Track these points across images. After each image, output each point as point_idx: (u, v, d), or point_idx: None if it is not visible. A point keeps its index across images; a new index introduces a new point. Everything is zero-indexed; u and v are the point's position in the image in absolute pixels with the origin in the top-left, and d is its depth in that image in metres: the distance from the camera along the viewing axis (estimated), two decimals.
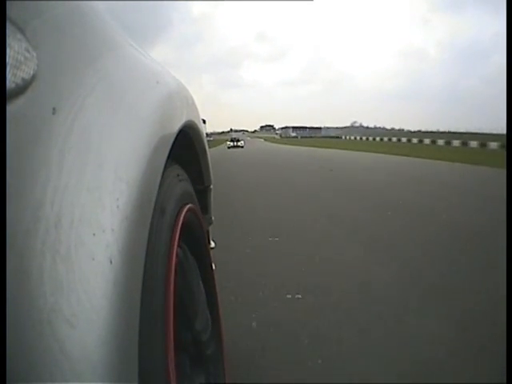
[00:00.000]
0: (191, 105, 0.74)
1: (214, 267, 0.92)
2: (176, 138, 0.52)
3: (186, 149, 0.78)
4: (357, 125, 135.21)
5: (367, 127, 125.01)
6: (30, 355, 0.23)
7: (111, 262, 0.29)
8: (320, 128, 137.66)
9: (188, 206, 0.60)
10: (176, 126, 0.55)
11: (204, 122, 1.02)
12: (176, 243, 0.48)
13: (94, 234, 0.28)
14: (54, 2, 0.34)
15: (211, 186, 0.99)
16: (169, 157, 0.47)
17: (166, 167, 0.46)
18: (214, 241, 1.15)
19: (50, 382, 0.23)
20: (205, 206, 0.96)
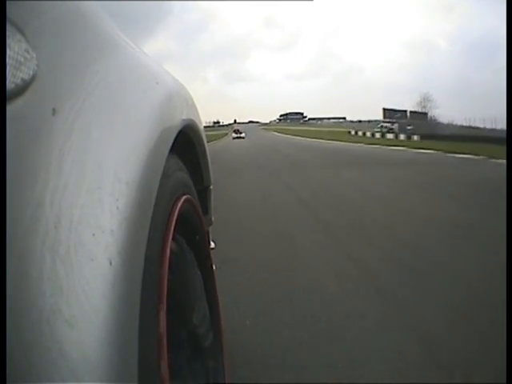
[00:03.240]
0: (191, 105, 0.75)
1: (214, 268, 0.92)
2: (175, 139, 0.52)
3: (186, 149, 0.78)
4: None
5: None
6: (29, 356, 0.23)
7: (111, 263, 0.29)
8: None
9: (185, 197, 0.60)
10: (175, 127, 0.55)
11: None
12: (170, 236, 0.48)
13: (93, 235, 0.28)
14: (53, 2, 0.34)
15: (211, 187, 0.99)
16: (168, 157, 0.47)
17: (165, 168, 0.46)
18: (214, 241, 1.15)
19: (49, 382, 0.23)
20: (205, 207, 0.97)
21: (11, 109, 0.25)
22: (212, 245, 1.11)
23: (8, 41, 0.25)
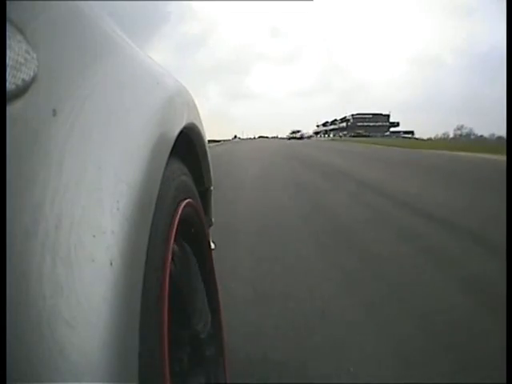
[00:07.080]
0: (192, 106, 0.74)
1: (214, 268, 0.92)
2: (176, 140, 0.52)
3: (187, 150, 0.78)
4: (465, 131, 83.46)
5: (480, 136, 78.74)
6: (29, 357, 0.23)
7: (111, 264, 0.29)
8: None
9: (186, 201, 0.60)
10: (176, 128, 0.54)
11: None
12: (172, 237, 0.48)
13: (94, 236, 0.28)
14: (53, 2, 0.34)
15: (212, 188, 0.99)
16: (169, 158, 0.47)
17: (166, 169, 0.46)
18: (214, 242, 1.15)
19: (49, 382, 0.23)
20: (205, 208, 0.96)
21: (11, 110, 0.25)
22: (212, 246, 1.11)
23: (8, 41, 0.25)
